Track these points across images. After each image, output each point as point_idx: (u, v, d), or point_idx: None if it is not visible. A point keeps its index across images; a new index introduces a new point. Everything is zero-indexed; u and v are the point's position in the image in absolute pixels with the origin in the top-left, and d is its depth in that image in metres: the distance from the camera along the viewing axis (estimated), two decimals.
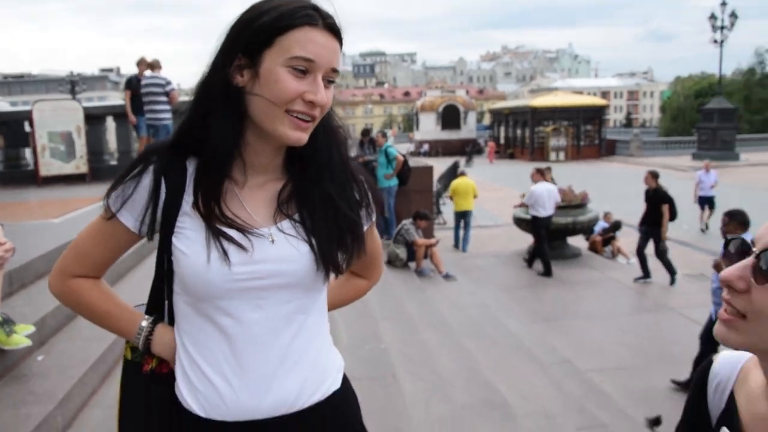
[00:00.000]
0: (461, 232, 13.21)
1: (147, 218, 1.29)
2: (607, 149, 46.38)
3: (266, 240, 1.28)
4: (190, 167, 1.30)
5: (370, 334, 5.92)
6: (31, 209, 7.87)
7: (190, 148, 1.30)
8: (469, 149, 46.97)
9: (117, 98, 54.10)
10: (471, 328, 6.97)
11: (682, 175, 30.94)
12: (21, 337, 3.02)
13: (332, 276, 1.37)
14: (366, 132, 11.73)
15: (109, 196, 1.31)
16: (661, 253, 10.09)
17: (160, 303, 1.37)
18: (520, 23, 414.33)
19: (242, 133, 1.27)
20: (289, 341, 1.31)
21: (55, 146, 10.36)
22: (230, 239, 1.25)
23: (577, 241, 12.48)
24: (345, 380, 1.45)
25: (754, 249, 0.89)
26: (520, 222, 11.73)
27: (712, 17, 35.56)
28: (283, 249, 1.29)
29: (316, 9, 1.22)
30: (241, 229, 1.26)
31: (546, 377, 5.85)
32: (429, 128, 54.78)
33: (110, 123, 11.76)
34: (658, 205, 9.98)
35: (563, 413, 5.00)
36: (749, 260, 0.89)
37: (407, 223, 9.90)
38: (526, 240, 12.93)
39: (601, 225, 13.24)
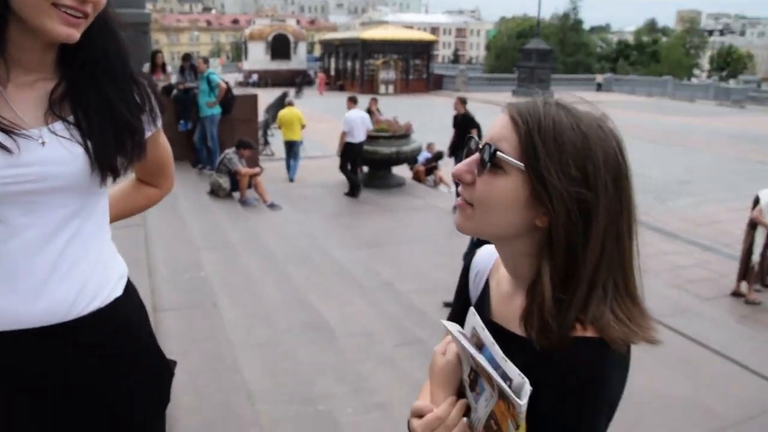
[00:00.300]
0: (291, 162, 13.15)
1: None
2: (434, 84, 47.79)
3: (36, 142, 1.18)
4: None
5: (190, 263, 5.76)
6: None
7: None
8: (299, 80, 46.37)
9: None
10: (296, 255, 6.98)
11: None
12: None
13: (111, 181, 1.30)
14: (187, 57, 11.08)
15: None
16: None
17: None
18: None
19: (4, 28, 1.15)
20: (62, 247, 1.24)
21: None
22: None
23: (402, 171, 12.81)
24: (129, 287, 1.41)
25: (479, 146, 1.00)
26: None
27: None
28: (55, 151, 1.20)
29: None
30: (7, 131, 1.16)
31: (367, 300, 6.01)
32: (258, 58, 53.17)
33: None
34: (466, 129, 10.29)
35: (383, 331, 5.17)
36: (476, 156, 1.01)
37: (230, 152, 9.61)
38: None
39: (424, 155, 13.66)
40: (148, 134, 1.37)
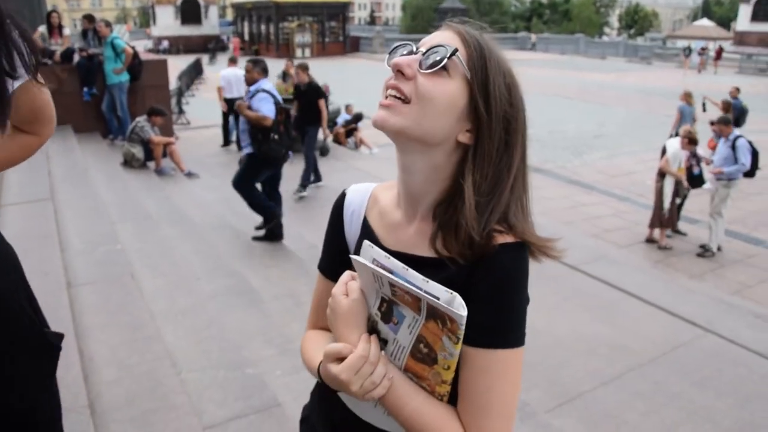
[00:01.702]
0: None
1: None
2: (351, 46, 47.38)
3: None
4: None
5: (104, 236, 5.53)
6: None
7: None
8: (212, 46, 45.10)
9: None
10: (215, 222, 6.83)
11: None
12: None
13: None
14: (90, 18, 10.46)
15: None
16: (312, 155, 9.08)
17: None
18: None
19: None
20: None
21: None
22: None
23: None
24: None
25: (420, 49, 1.04)
26: None
27: None
28: None
29: None
30: None
31: (291, 262, 5.96)
32: (168, 23, 51.19)
33: None
34: (312, 100, 8.96)
35: (307, 292, 5.13)
36: (417, 56, 1.04)
37: (141, 120, 9.25)
38: None
39: (343, 117, 13.55)
40: (17, 84, 1.27)
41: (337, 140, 13.15)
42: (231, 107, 11.51)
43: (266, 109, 6.32)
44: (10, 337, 1.27)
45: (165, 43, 47.53)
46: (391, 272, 0.99)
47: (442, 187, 1.06)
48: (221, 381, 3.49)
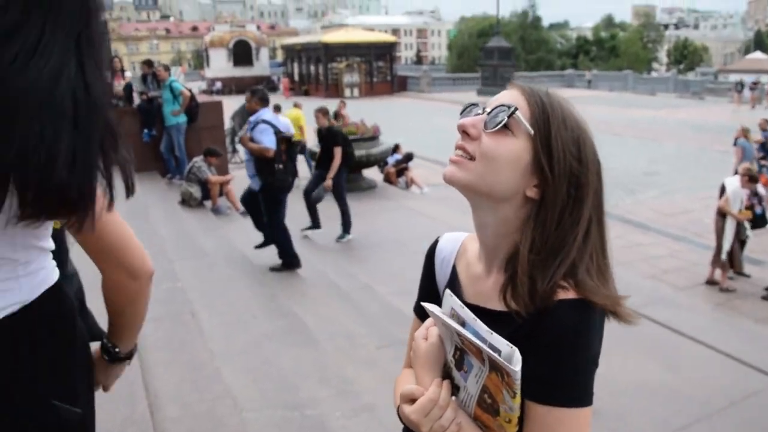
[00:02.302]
0: None
1: None
2: (399, 85, 47.89)
3: None
4: None
5: (165, 274, 5.65)
6: None
7: None
8: (263, 86, 46.02)
9: None
10: (269, 261, 6.89)
11: None
12: None
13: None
14: (149, 63, 10.88)
15: None
16: (314, 198, 8.58)
17: None
18: None
19: None
20: None
21: None
22: None
23: (372, 174, 12.78)
24: (19, 318, 1.16)
25: (486, 110, 1.09)
26: (313, 155, 11.68)
27: None
28: None
29: None
30: None
31: (346, 302, 5.97)
32: (220, 65, 52.73)
33: None
34: (330, 145, 8.51)
35: (364, 334, 5.13)
36: (481, 116, 1.09)
37: (198, 160, 9.49)
38: None
39: (394, 157, 13.66)
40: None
41: (387, 180, 13.24)
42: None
43: (267, 140, 6.32)
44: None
45: (218, 84, 48.88)
46: (462, 322, 1.03)
47: (513, 240, 1.09)
48: (279, 421, 3.50)
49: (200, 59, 60.82)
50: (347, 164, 8.69)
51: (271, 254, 6.77)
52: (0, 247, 1.12)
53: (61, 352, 1.25)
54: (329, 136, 8.56)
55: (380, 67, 48.65)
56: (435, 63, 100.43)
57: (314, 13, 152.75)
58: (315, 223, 8.61)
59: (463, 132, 1.09)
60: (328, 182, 8.37)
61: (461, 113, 1.13)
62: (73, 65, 1.01)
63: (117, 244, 1.35)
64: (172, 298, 5.14)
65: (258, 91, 6.69)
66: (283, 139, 6.46)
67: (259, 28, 66.52)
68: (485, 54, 42.53)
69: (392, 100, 41.56)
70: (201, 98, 11.53)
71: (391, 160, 13.50)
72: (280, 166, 6.39)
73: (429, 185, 13.44)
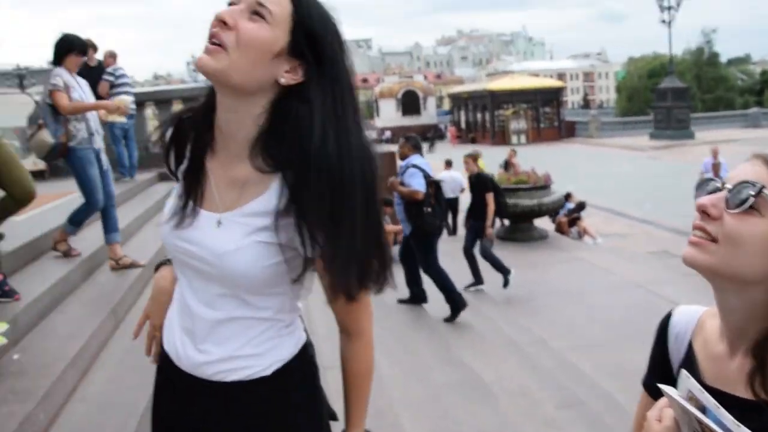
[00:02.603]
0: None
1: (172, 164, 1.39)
2: (566, 131, 46.91)
3: (212, 224, 1.27)
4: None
5: None
6: None
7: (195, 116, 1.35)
8: (430, 135, 47.09)
9: None
10: (443, 312, 6.99)
11: (640, 154, 31.52)
12: None
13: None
14: None
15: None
16: (486, 252, 8.45)
17: None
18: (473, 6, 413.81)
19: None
20: (220, 321, 1.30)
21: (9, 142, 9.97)
22: (184, 208, 1.29)
23: (544, 223, 12.60)
24: (282, 372, 1.35)
25: (726, 186, 1.00)
26: None
27: None
28: (225, 238, 1.25)
29: None
30: (197, 205, 1.29)
31: (521, 356, 5.91)
32: (389, 115, 54.75)
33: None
34: (482, 193, 8.33)
35: (541, 391, 5.05)
36: (722, 193, 1.00)
37: None
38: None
39: (566, 206, 13.40)
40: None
41: (559, 230, 12.99)
42: (450, 206, 11.94)
43: (416, 183, 6.55)
44: None
45: (388, 134, 50.61)
46: (702, 408, 0.97)
47: (763, 325, 1.00)
48: None
49: (370, 109, 63.52)
50: (500, 214, 8.63)
51: (443, 305, 6.87)
52: (280, 310, 1.34)
53: (311, 407, 1.43)
54: (479, 183, 8.47)
55: (547, 112, 48.07)
56: (603, 106, 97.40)
57: (479, 61, 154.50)
58: (477, 279, 8.50)
59: (703, 212, 1.01)
60: (489, 231, 8.32)
61: (696, 188, 1.07)
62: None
63: (365, 311, 1.45)
64: None
65: (411, 138, 7.02)
66: (431, 182, 6.68)
67: (425, 78, 68.47)
68: (658, 95, 40.58)
69: (560, 146, 40.80)
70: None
71: (562, 209, 13.26)
72: (429, 209, 6.58)
73: (602, 235, 13.03)
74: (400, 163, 7.11)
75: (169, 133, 1.38)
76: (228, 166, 1.28)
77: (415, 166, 6.73)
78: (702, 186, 1.06)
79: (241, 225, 1.25)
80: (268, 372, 1.33)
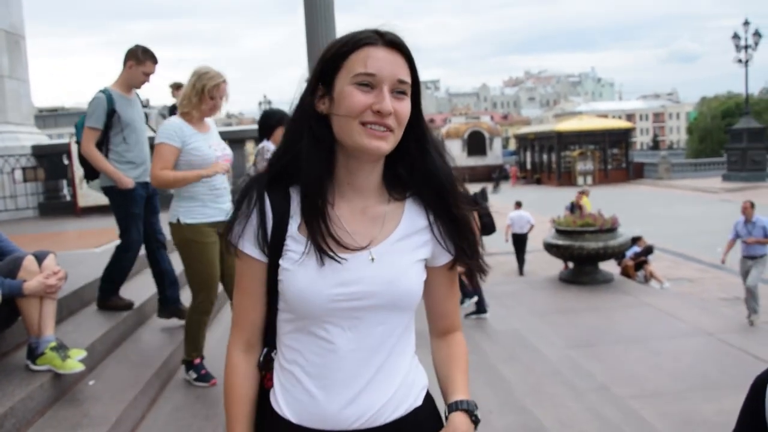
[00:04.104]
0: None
1: (261, 241, 1.37)
2: (635, 172, 46.04)
3: (365, 259, 1.35)
4: (294, 193, 1.39)
5: None
6: (71, 239, 8.05)
7: (288, 176, 1.39)
8: (495, 175, 46.93)
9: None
10: (504, 354, 6.95)
11: (712, 197, 30.63)
12: (74, 361, 3.10)
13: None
14: None
15: (229, 236, 1.40)
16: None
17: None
18: (542, 48, 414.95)
19: (334, 156, 1.37)
20: (380, 364, 1.37)
21: None
22: (331, 260, 1.33)
23: (609, 266, 12.37)
24: (428, 397, 1.49)
25: None
26: (550, 247, 11.68)
27: (736, 36, 35.52)
28: (383, 269, 1.36)
29: (376, 32, 1.32)
30: (342, 250, 1.34)
31: (583, 403, 5.80)
32: (455, 155, 51.25)
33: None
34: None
35: None
36: None
37: None
38: (557, 265, 12.85)
39: (633, 249, 13.14)
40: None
41: (626, 273, 12.72)
42: (517, 241, 14.81)
43: None
44: None
45: None
46: None
47: None
48: None
49: None
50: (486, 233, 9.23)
51: (504, 348, 6.82)
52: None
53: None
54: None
55: (615, 153, 47.31)
56: (673, 147, 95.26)
57: (546, 101, 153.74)
58: (480, 308, 8.86)
59: None
60: None
61: None
62: None
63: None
64: None
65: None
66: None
67: (492, 118, 68.54)
68: (732, 136, 39.45)
69: (628, 187, 40.03)
70: None
71: (629, 252, 13.00)
72: None
73: (670, 280, 12.69)
74: None
75: (263, 206, 1.38)
76: (360, 207, 1.41)
77: None
78: None
79: (395, 251, 1.39)
80: (420, 401, 1.46)
